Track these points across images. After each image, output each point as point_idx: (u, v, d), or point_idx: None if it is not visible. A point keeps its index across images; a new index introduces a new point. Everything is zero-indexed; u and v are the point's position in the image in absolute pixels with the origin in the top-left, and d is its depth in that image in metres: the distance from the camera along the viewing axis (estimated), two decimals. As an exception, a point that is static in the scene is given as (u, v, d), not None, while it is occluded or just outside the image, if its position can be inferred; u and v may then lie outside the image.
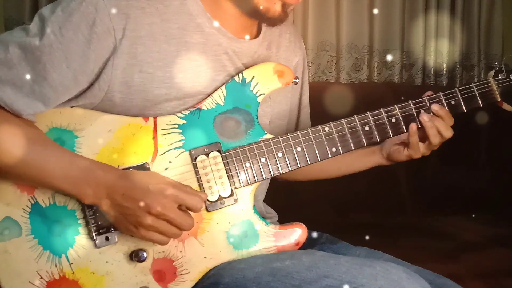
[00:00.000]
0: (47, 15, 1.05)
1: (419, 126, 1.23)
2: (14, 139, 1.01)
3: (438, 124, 1.22)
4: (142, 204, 1.00)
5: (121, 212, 1.02)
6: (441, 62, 2.67)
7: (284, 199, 1.60)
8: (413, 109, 1.23)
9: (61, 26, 1.03)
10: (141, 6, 1.09)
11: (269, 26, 1.29)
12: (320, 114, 1.49)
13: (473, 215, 2.10)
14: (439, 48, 2.66)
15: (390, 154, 1.33)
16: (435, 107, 1.22)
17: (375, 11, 2.55)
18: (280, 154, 1.16)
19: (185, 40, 1.13)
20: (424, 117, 1.22)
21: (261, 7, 1.13)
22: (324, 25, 2.58)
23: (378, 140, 1.22)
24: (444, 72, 2.68)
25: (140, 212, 1.00)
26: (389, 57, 2.59)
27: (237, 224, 1.14)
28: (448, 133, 1.23)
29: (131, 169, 1.08)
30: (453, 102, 1.25)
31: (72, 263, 1.06)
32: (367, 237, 1.40)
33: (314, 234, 1.34)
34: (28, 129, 1.03)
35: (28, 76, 1.02)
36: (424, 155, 1.28)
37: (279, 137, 1.17)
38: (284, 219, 1.35)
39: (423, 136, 1.24)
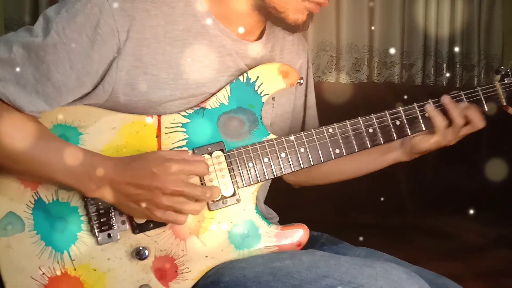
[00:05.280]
0: (52, 16, 1.05)
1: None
2: (17, 134, 1.01)
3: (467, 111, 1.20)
4: (153, 187, 1.00)
5: (132, 200, 1.02)
6: (441, 62, 2.67)
7: (284, 199, 1.60)
8: (418, 112, 1.23)
9: (65, 26, 1.03)
10: (146, 8, 1.09)
11: (272, 29, 1.29)
12: (320, 114, 1.49)
13: (473, 215, 2.10)
14: (439, 48, 2.66)
15: (414, 146, 1.27)
16: (445, 99, 1.21)
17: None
18: (283, 155, 1.16)
19: (189, 42, 1.13)
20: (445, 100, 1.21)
21: (290, 18, 1.16)
22: (324, 25, 2.57)
23: (382, 142, 1.21)
24: (444, 72, 2.67)
25: (153, 195, 1.01)
26: (391, 54, 2.59)
27: (239, 223, 1.14)
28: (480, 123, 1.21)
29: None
30: None
31: (74, 260, 1.07)
32: (361, 238, 1.40)
33: (315, 234, 1.34)
34: (31, 124, 1.03)
35: (31, 76, 1.02)
36: (450, 143, 1.24)
37: (283, 137, 1.17)
38: (285, 219, 1.35)
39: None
